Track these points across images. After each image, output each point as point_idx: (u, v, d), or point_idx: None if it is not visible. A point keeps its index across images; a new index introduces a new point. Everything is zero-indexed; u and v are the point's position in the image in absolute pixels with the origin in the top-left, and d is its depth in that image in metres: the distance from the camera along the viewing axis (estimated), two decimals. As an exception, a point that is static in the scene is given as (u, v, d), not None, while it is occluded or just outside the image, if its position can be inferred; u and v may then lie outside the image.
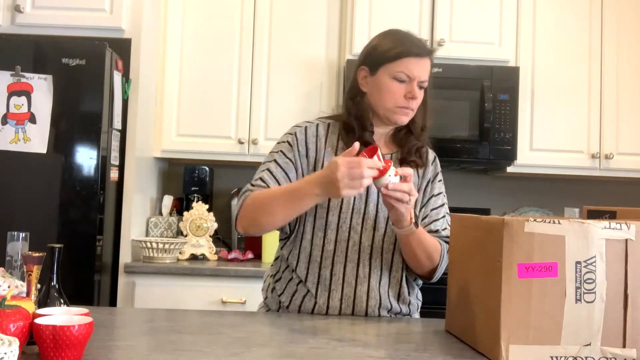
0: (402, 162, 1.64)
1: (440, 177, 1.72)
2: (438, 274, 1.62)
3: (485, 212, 3.18)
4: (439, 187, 1.70)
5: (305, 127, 1.65)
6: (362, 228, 1.59)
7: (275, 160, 1.61)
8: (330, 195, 1.43)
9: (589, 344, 1.12)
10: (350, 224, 1.58)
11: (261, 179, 1.59)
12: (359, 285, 1.58)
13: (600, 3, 3.06)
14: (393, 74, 1.56)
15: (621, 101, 3.05)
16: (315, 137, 1.63)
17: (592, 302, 1.12)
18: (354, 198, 1.58)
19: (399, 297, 1.62)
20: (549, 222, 1.12)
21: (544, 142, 3.03)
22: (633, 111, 3.05)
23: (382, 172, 1.38)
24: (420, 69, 1.57)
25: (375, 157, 1.39)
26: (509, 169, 3.05)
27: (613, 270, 1.12)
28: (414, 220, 1.49)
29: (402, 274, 1.63)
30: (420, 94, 1.58)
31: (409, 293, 1.64)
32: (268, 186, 1.57)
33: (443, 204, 1.69)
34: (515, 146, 2.95)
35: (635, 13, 3.07)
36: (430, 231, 1.62)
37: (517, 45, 3.03)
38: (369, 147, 1.43)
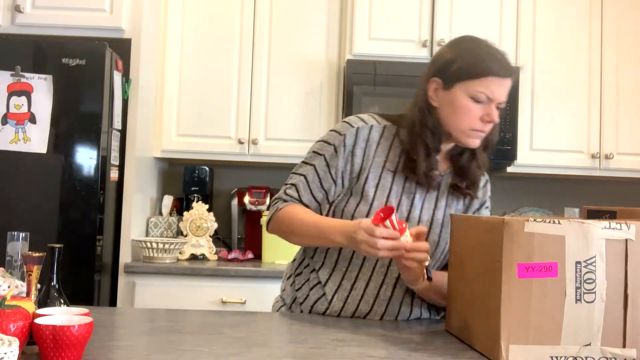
0: (452, 187, 1.54)
1: (488, 203, 1.62)
2: None
3: (485, 212, 3.18)
4: (485, 214, 1.60)
5: (357, 129, 1.51)
6: None
7: (314, 167, 1.52)
8: (354, 249, 1.40)
9: (589, 344, 1.12)
10: None
11: (296, 188, 1.53)
12: (375, 307, 1.51)
13: (600, 3, 3.06)
14: (472, 93, 1.42)
15: (621, 101, 3.05)
16: (365, 142, 1.51)
17: (592, 302, 1.12)
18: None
19: (420, 316, 1.56)
20: (549, 222, 1.12)
21: (544, 142, 3.03)
22: (633, 111, 3.05)
23: (400, 232, 1.33)
24: (502, 90, 1.42)
25: (391, 219, 1.32)
26: (509, 169, 3.05)
27: (613, 270, 1.12)
28: (426, 276, 1.41)
29: (426, 303, 1.55)
30: (497, 117, 1.45)
31: (429, 315, 1.58)
32: (301, 200, 1.52)
33: None
34: (515, 146, 2.95)
35: (635, 13, 3.07)
36: None
37: (517, 45, 3.03)
38: (385, 210, 1.33)
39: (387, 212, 1.32)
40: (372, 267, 1.51)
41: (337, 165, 1.51)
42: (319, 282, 1.56)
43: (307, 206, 1.54)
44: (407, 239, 1.33)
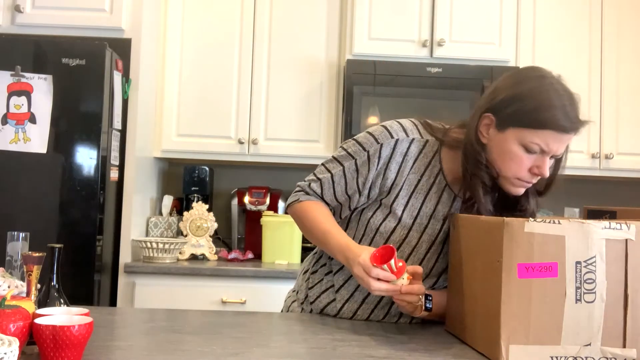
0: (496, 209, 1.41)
1: None
2: None
3: (485, 212, 3.18)
4: None
5: (397, 142, 1.41)
6: (411, 263, 1.45)
7: (344, 169, 1.46)
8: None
9: (589, 344, 1.12)
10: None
11: (321, 184, 1.49)
12: (387, 317, 1.50)
13: (600, 3, 3.06)
14: (525, 143, 1.29)
15: (621, 101, 3.05)
16: (402, 157, 1.42)
17: (592, 302, 1.12)
18: (409, 229, 1.44)
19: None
20: (549, 222, 1.12)
21: (544, 142, 3.02)
22: (633, 111, 3.05)
23: (396, 275, 1.30)
24: (559, 145, 1.29)
25: (389, 263, 1.29)
26: (509, 169, 3.04)
27: (613, 270, 1.12)
28: (425, 307, 1.34)
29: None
30: (548, 170, 1.32)
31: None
32: (323, 197, 1.50)
33: None
34: (515, 146, 2.94)
35: (635, 13, 3.07)
36: None
37: (517, 45, 3.03)
38: (385, 250, 1.29)
39: (387, 253, 1.29)
40: None
41: (366, 175, 1.43)
42: (332, 286, 1.54)
43: (327, 204, 1.51)
44: (403, 281, 1.30)
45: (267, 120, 3.03)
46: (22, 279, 1.23)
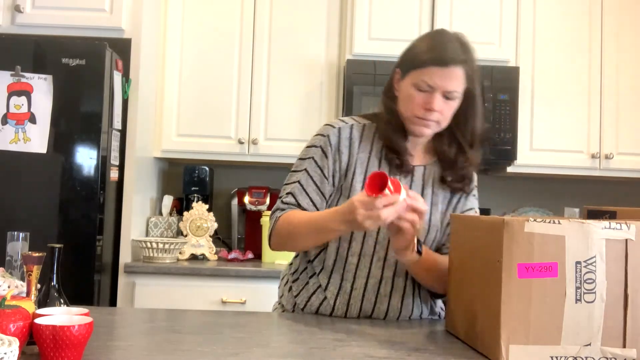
0: (441, 180, 1.56)
1: (475, 191, 1.62)
2: None
3: (485, 212, 3.18)
4: (472, 202, 1.60)
5: (339, 129, 1.55)
6: (389, 243, 1.49)
7: (306, 170, 1.54)
8: (357, 230, 1.41)
9: (589, 344, 1.12)
10: (377, 239, 1.51)
11: (292, 194, 1.53)
12: (378, 304, 1.52)
13: (600, 3, 3.06)
14: (415, 82, 1.46)
15: (621, 101, 3.05)
16: (349, 141, 1.54)
17: (592, 302, 1.12)
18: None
19: (421, 314, 1.57)
20: (549, 222, 1.12)
21: (544, 142, 3.03)
22: (633, 111, 3.05)
23: (398, 192, 1.29)
24: (444, 79, 1.43)
25: (388, 186, 1.27)
26: (509, 169, 3.05)
27: (613, 270, 1.12)
28: (416, 248, 1.39)
29: (430, 292, 1.56)
30: (447, 106, 1.46)
31: (432, 307, 1.60)
32: (299, 204, 1.52)
33: None
34: (515, 146, 2.95)
35: (635, 13, 3.07)
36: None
37: (517, 45, 3.03)
38: (374, 178, 1.29)
39: (378, 178, 1.27)
40: (368, 264, 1.52)
41: (327, 165, 1.53)
42: (320, 286, 1.56)
43: (305, 210, 1.53)
44: (404, 196, 1.30)
45: (267, 120, 3.03)
46: (22, 279, 1.23)
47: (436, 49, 1.45)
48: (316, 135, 1.58)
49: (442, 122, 1.49)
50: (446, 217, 1.56)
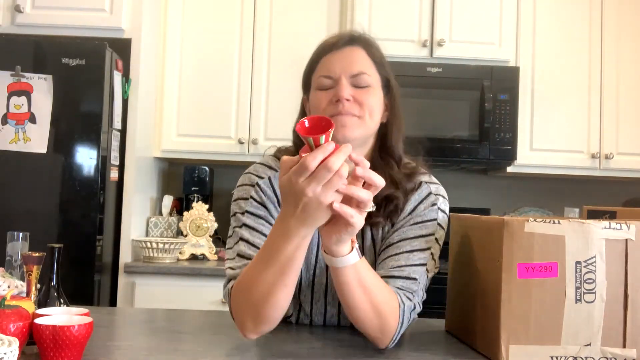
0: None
1: (436, 215, 1.30)
2: (395, 339, 1.18)
3: (485, 212, 3.18)
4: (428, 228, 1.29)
5: (257, 185, 1.32)
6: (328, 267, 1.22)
7: (245, 225, 1.28)
8: (319, 222, 1.00)
9: (589, 344, 1.12)
10: (316, 261, 1.33)
11: (240, 255, 1.25)
12: (341, 319, 1.37)
13: (600, 3, 3.06)
14: (317, 84, 1.29)
15: (621, 101, 3.05)
16: (273, 192, 1.32)
17: (592, 302, 1.12)
18: (317, 233, 1.24)
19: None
20: (549, 222, 1.12)
21: (544, 142, 3.03)
22: (633, 111, 3.05)
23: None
24: (342, 62, 1.27)
25: (322, 137, 0.93)
26: (509, 169, 3.05)
27: (613, 270, 1.12)
28: (356, 245, 1.08)
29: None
30: (362, 93, 1.26)
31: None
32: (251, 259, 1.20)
33: (425, 249, 1.26)
34: (515, 146, 2.95)
35: (636, 13, 3.07)
36: (390, 277, 1.21)
37: (517, 45, 3.03)
38: (302, 126, 0.97)
39: (317, 121, 0.96)
40: (324, 292, 1.36)
41: (263, 213, 1.29)
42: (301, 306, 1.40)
43: None
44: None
45: (267, 120, 3.03)
46: (22, 279, 1.23)
47: (325, 42, 1.34)
48: (242, 186, 1.34)
49: (364, 115, 1.26)
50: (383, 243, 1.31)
